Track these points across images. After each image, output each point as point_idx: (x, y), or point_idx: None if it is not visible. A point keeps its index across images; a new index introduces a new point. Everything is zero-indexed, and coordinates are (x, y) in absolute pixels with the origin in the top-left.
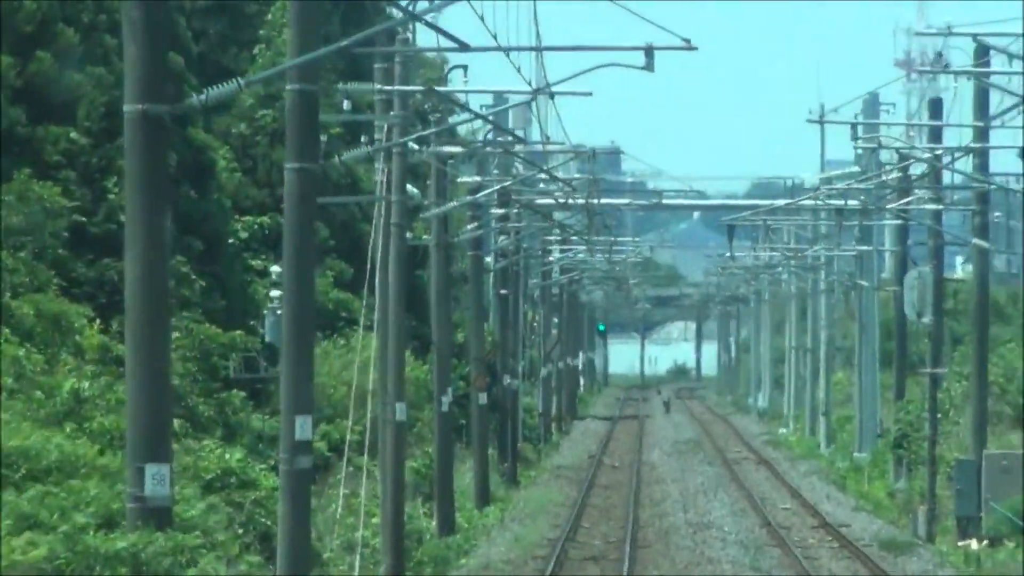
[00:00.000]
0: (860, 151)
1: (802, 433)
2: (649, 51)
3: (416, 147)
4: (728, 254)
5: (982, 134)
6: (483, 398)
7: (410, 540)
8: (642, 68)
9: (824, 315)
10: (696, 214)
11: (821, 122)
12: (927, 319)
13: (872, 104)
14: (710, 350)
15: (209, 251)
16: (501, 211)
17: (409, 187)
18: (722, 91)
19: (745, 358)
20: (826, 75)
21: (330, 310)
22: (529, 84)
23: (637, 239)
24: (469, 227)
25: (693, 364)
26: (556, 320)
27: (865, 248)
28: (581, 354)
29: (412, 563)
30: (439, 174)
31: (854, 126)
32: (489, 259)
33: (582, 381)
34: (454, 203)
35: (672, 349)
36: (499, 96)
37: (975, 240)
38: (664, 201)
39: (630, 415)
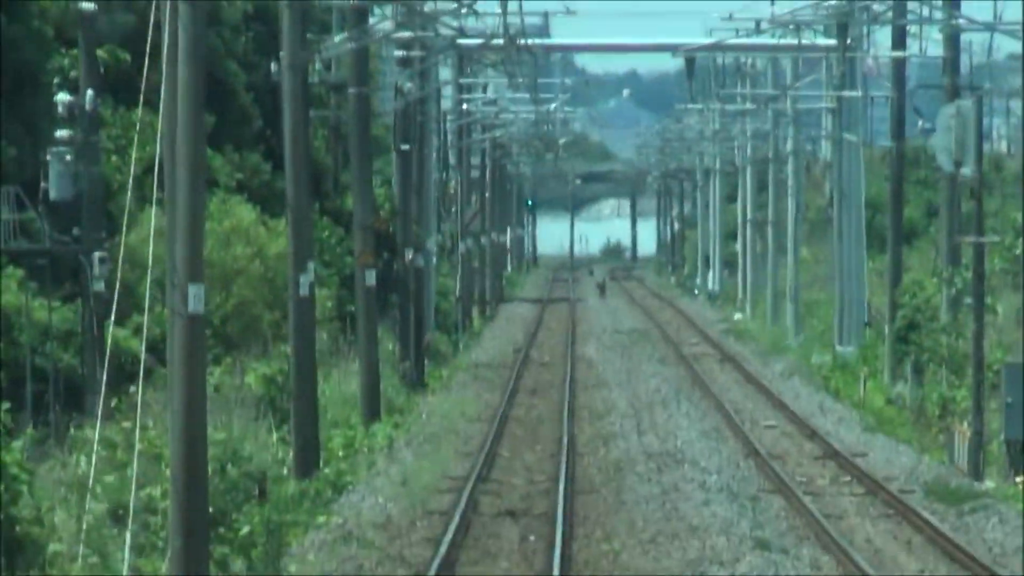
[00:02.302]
0: None
1: (763, 320)
2: None
3: None
4: (685, 105)
5: None
6: (370, 277)
7: (246, 486)
8: None
9: (792, 179)
10: (626, 91)
11: None
12: (968, 169)
13: None
14: (645, 228)
15: (18, 91)
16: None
17: None
18: None
19: (690, 235)
20: None
21: None
22: None
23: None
24: (337, 39)
25: (628, 243)
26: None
27: (850, 94)
28: (509, 230)
29: (235, 530)
30: None
31: None
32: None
33: (509, 260)
34: None
35: (604, 226)
36: None
37: None
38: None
39: (560, 297)
